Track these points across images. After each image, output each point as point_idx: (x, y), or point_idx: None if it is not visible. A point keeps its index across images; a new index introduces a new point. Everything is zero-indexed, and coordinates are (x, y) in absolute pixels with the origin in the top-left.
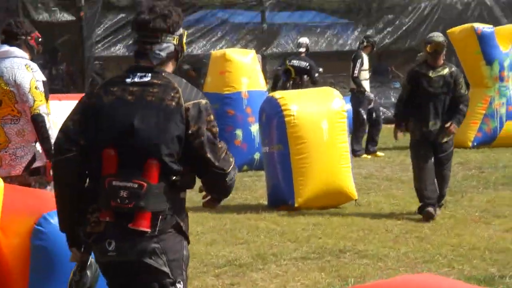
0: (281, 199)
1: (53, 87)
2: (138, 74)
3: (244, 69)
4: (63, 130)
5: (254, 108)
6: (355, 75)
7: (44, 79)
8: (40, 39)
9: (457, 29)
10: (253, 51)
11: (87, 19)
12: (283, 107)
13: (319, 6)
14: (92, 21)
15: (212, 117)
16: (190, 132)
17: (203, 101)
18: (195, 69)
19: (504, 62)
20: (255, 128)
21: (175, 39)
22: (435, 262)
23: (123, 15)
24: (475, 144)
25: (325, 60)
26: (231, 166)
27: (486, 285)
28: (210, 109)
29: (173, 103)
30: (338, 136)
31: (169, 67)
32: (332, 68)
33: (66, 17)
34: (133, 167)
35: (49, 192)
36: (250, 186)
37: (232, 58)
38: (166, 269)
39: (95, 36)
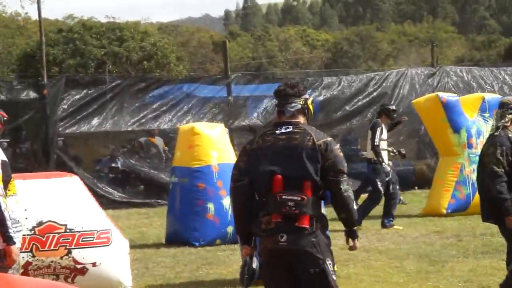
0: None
1: (17, 166)
2: (284, 126)
3: (213, 142)
4: (237, 167)
5: (225, 181)
6: (376, 143)
7: (4, 158)
8: (4, 118)
9: (422, 98)
10: (221, 124)
11: (50, 96)
12: None
13: (285, 77)
14: (55, 98)
15: (336, 147)
16: (328, 161)
17: (329, 139)
18: (165, 143)
19: (471, 130)
20: (227, 201)
21: (302, 100)
22: None
23: (87, 91)
24: (449, 211)
25: None
26: (350, 193)
27: None
28: (333, 142)
29: (310, 143)
30: None
31: (301, 119)
32: None
33: (29, 95)
34: (294, 186)
35: (17, 276)
36: (225, 261)
37: (201, 131)
38: (320, 256)
39: (58, 114)
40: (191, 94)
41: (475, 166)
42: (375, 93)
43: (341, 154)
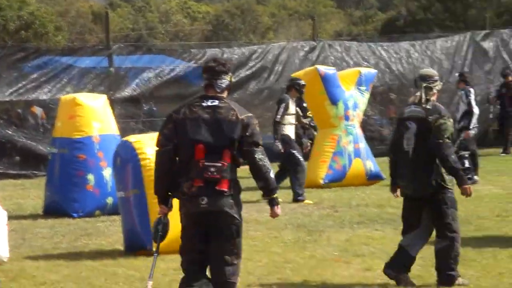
0: (138, 244)
1: None
2: (210, 100)
3: (95, 113)
4: (162, 133)
5: (106, 152)
6: (277, 119)
7: None
8: None
9: (301, 72)
10: (104, 95)
11: None
12: (138, 151)
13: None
14: None
15: (255, 123)
16: (247, 133)
17: (250, 115)
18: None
19: (348, 102)
20: (107, 172)
21: (229, 77)
22: None
23: None
24: (326, 181)
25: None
26: (267, 162)
27: None
28: (253, 118)
29: (234, 118)
30: None
31: (225, 94)
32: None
33: None
34: (215, 154)
35: None
36: (104, 232)
37: (82, 102)
38: (237, 216)
39: None
40: (72, 64)
41: (351, 138)
42: (257, 66)
43: (258, 128)
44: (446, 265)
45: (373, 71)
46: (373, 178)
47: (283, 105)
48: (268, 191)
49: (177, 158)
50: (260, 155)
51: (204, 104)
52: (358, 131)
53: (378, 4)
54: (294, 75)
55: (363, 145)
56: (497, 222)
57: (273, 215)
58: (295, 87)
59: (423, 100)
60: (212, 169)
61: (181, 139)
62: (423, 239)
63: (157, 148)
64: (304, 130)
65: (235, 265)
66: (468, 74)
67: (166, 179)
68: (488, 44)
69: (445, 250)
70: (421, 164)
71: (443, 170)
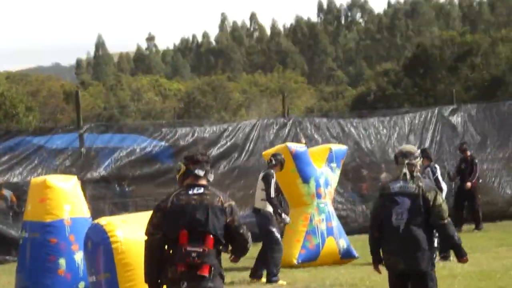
0: None
1: None
2: (196, 188)
3: (65, 196)
4: (151, 222)
5: (78, 235)
6: (272, 195)
7: None
8: None
9: (272, 150)
10: (74, 177)
11: None
12: (109, 234)
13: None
14: None
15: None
16: (228, 220)
17: (233, 203)
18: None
19: (319, 180)
20: (79, 256)
21: (208, 166)
22: None
23: None
24: (300, 261)
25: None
26: (250, 238)
27: None
28: (235, 205)
29: (219, 204)
30: None
31: (206, 182)
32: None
33: None
34: (198, 240)
35: None
36: None
37: (53, 184)
38: None
39: None
40: (43, 145)
41: (324, 216)
42: (228, 144)
43: (239, 212)
44: None
45: (343, 147)
46: (346, 256)
47: (273, 180)
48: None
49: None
50: (245, 232)
51: (190, 192)
52: (330, 209)
53: (348, 80)
54: (265, 153)
55: (335, 223)
56: None
57: (234, 260)
58: (281, 163)
59: (408, 177)
60: (194, 254)
61: (168, 227)
62: None
63: (146, 238)
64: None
65: None
66: (429, 150)
67: (156, 267)
68: (456, 119)
69: None
70: (415, 240)
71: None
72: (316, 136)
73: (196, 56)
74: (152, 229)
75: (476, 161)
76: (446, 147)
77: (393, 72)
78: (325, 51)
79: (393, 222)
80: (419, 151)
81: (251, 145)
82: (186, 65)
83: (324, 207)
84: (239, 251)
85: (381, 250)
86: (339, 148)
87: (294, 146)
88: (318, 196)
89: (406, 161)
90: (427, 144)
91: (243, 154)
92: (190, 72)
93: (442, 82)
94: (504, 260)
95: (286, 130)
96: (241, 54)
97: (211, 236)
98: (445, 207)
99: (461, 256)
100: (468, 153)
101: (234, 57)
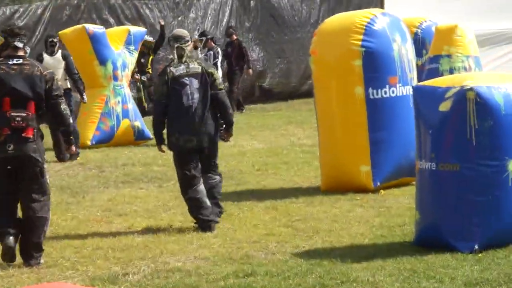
0: None
1: None
2: (16, 59)
3: None
4: None
5: None
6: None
7: None
8: None
9: (69, 30)
10: None
11: None
12: None
13: None
14: None
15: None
16: (47, 86)
17: (51, 71)
18: None
19: (117, 62)
20: None
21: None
22: (59, 266)
23: None
24: (94, 142)
25: None
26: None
27: (110, 284)
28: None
29: (38, 73)
30: None
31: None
32: None
33: None
34: (21, 105)
35: None
36: None
37: None
38: (40, 159)
39: None
40: None
41: (120, 98)
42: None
43: (59, 83)
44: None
45: (142, 29)
46: (140, 138)
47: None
48: (68, 134)
49: None
50: (64, 105)
51: (10, 62)
52: (127, 91)
53: None
54: (61, 33)
55: (131, 105)
56: (257, 176)
57: (70, 150)
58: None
59: (176, 60)
60: (18, 118)
61: None
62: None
63: None
64: None
65: (42, 202)
66: (216, 36)
67: None
68: (251, 0)
69: (218, 185)
70: (207, 117)
71: None
72: (111, 19)
73: None
74: None
75: (244, 45)
76: (241, 28)
77: None
78: None
79: (184, 103)
80: (192, 35)
81: (41, 29)
82: None
83: (120, 89)
84: (59, 123)
85: (168, 131)
86: (138, 30)
87: (92, 27)
88: (115, 78)
89: (176, 45)
90: (223, 25)
91: (33, 39)
92: None
93: None
94: (291, 137)
95: (80, 12)
96: None
97: (33, 102)
98: (219, 78)
99: (229, 129)
100: (235, 37)
101: None
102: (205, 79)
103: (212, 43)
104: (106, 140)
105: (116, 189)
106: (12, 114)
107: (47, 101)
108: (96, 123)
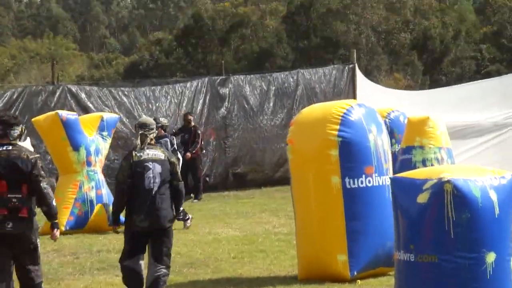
0: None
1: None
2: (5, 146)
3: None
4: None
5: None
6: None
7: None
8: None
9: (42, 117)
10: None
11: None
12: None
13: None
14: None
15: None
16: (35, 169)
17: (37, 155)
18: None
19: (90, 148)
20: None
21: (20, 128)
22: None
23: None
24: (68, 228)
25: None
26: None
27: None
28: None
29: (25, 157)
30: None
31: (17, 141)
32: None
33: None
34: (16, 187)
35: None
36: None
37: None
38: (34, 238)
39: None
40: None
41: (93, 184)
42: None
43: (41, 165)
44: None
45: (115, 116)
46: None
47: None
48: (50, 216)
49: None
50: (45, 184)
51: (0, 148)
52: (101, 177)
53: (121, 48)
54: (34, 119)
55: (105, 190)
56: (233, 264)
57: (53, 237)
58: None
59: (138, 146)
60: (14, 200)
61: None
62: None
63: None
64: None
65: (37, 271)
66: (163, 121)
67: None
68: (224, 89)
69: (165, 276)
70: (165, 200)
71: None
72: (87, 104)
73: None
74: None
75: (199, 131)
76: (215, 116)
77: (166, 41)
78: (97, 18)
79: (145, 186)
80: (155, 123)
81: (16, 113)
82: None
83: (94, 174)
84: (41, 202)
85: (126, 211)
86: (111, 116)
87: (65, 113)
88: (88, 164)
89: (140, 131)
90: (197, 112)
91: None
92: None
93: (214, 52)
94: (266, 225)
95: (55, 98)
96: (10, 18)
97: (26, 183)
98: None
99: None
100: (192, 123)
101: (2, 22)
102: (167, 166)
103: (162, 131)
104: (80, 226)
105: (91, 276)
106: (9, 195)
107: (31, 182)
108: (70, 208)
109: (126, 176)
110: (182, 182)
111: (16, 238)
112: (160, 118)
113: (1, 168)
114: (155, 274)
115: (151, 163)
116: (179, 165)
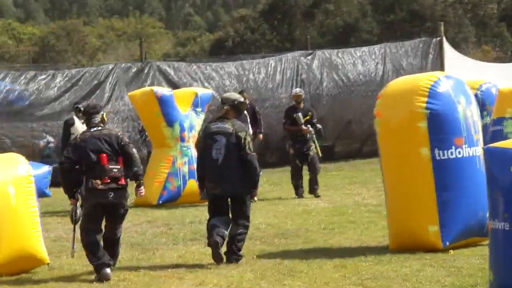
0: None
1: None
2: (93, 128)
3: None
4: (66, 154)
5: None
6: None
7: None
8: None
9: (138, 92)
10: None
11: None
12: None
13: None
14: None
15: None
16: (122, 141)
17: (120, 133)
18: None
19: (184, 124)
20: None
21: (100, 115)
22: None
23: None
24: (160, 202)
25: None
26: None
27: None
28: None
29: (114, 133)
30: (27, 201)
31: (102, 124)
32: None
33: None
34: (113, 160)
35: None
36: None
37: None
38: (126, 204)
39: None
40: None
41: (186, 159)
42: (88, 89)
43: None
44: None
45: (209, 92)
46: (206, 197)
47: None
48: (139, 175)
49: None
50: (134, 150)
51: (92, 130)
52: (194, 152)
53: (206, 26)
54: (130, 94)
55: None
56: (324, 234)
57: (140, 194)
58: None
59: (220, 119)
60: (115, 170)
61: (85, 152)
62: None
63: (61, 165)
64: None
65: (121, 227)
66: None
67: (71, 182)
68: (313, 63)
69: (241, 235)
70: (230, 170)
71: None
72: (175, 79)
73: (49, 0)
74: (65, 159)
75: (257, 109)
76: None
77: (251, 18)
78: None
79: (212, 156)
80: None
81: (109, 88)
82: (39, 9)
83: (187, 150)
84: (130, 164)
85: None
86: (205, 92)
87: (159, 90)
88: (182, 139)
89: (226, 106)
90: (283, 87)
91: (103, 98)
92: (43, 16)
93: (299, 27)
94: (356, 197)
95: (144, 74)
96: None
97: (120, 156)
98: (251, 144)
99: (253, 190)
100: (247, 101)
101: (90, 2)
102: (233, 139)
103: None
104: (172, 200)
105: (184, 246)
106: (110, 166)
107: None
108: (163, 182)
109: (201, 147)
110: (254, 154)
111: (115, 206)
112: (244, 93)
113: (100, 143)
114: (232, 232)
115: (218, 135)
116: (249, 134)
